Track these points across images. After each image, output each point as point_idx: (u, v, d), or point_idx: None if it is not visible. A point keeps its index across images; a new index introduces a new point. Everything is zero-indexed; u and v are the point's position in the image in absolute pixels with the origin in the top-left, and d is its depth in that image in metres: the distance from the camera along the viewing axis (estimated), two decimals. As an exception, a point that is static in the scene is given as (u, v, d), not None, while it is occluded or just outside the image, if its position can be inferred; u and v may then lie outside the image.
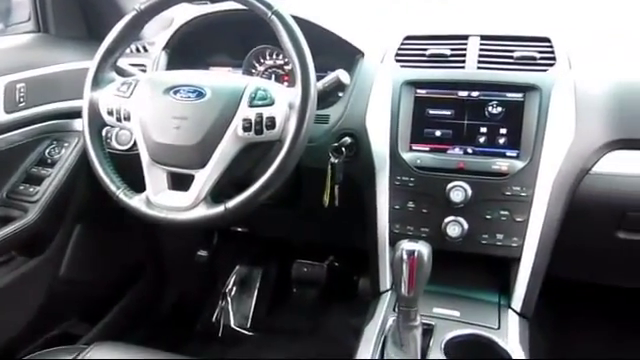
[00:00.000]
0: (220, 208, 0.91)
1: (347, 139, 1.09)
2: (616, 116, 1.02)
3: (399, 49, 1.14)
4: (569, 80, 1.02)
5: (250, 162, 0.98)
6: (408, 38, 1.15)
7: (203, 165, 0.91)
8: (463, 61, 1.08)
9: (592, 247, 1.17)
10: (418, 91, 1.08)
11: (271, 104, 0.91)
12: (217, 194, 0.93)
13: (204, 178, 0.91)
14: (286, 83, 1.31)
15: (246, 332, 1.80)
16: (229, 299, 1.85)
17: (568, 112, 1.01)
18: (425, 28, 1.18)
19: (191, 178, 0.93)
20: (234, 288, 1.88)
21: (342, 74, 1.03)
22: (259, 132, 0.90)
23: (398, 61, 1.12)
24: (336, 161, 1.06)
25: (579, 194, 1.03)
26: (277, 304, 1.87)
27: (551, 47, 1.07)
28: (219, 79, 0.99)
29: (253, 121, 0.90)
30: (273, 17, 0.91)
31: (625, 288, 1.53)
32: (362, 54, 1.17)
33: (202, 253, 1.70)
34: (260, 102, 0.91)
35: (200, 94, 0.94)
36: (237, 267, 1.91)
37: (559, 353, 1.60)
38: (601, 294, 1.59)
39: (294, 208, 1.28)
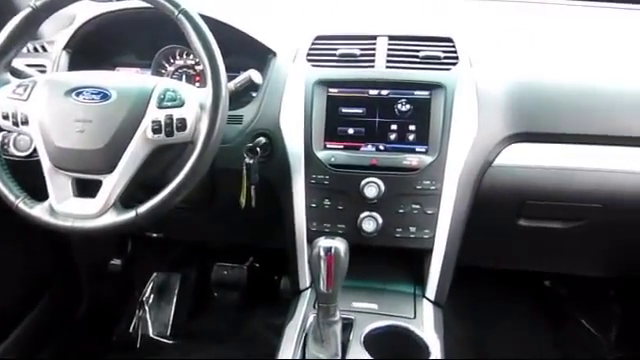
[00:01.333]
0: (131, 214, 0.88)
1: (261, 139, 1.09)
2: (515, 111, 1.09)
3: (310, 49, 1.15)
4: (471, 78, 1.08)
5: (162, 165, 0.95)
6: (319, 38, 1.16)
7: (111, 170, 0.88)
8: (372, 61, 1.11)
9: (497, 235, 1.24)
10: (330, 90, 1.09)
11: (181, 105, 0.89)
12: (127, 199, 0.90)
13: (112, 183, 0.88)
14: (198, 84, 1.28)
15: (166, 340, 1.75)
16: (147, 307, 1.79)
17: (471, 108, 1.06)
18: (335, 28, 1.20)
19: (98, 184, 0.89)
20: (152, 296, 1.82)
21: (254, 74, 1.02)
22: (170, 134, 0.88)
23: (310, 61, 1.13)
24: (251, 161, 1.05)
25: (483, 186, 1.09)
26: (198, 309, 1.84)
27: (453, 47, 1.12)
28: (125, 80, 0.96)
29: (163, 123, 0.88)
30: (180, 16, 0.89)
31: (529, 272, 1.65)
32: (274, 54, 1.17)
33: (115, 262, 1.64)
34: (170, 103, 0.89)
35: (105, 96, 0.90)
36: (154, 274, 1.85)
37: (472, 337, 1.69)
38: (509, 279, 1.69)
39: (210, 210, 1.26)
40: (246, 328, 1.75)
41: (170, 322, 1.78)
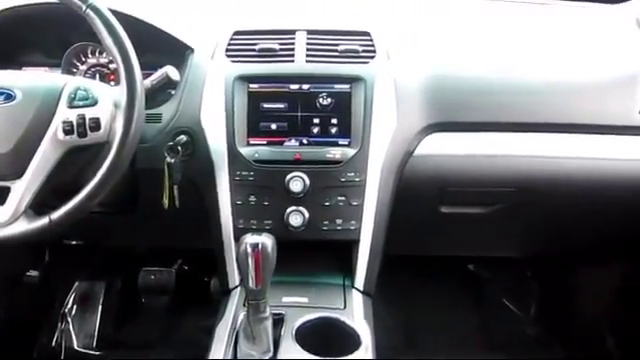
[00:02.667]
0: (44, 220, 0.83)
1: (182, 137, 1.06)
2: (431, 102, 1.12)
3: (229, 44, 1.13)
4: (388, 71, 1.10)
5: (76, 168, 0.91)
6: (237, 33, 1.15)
7: (19, 175, 0.83)
8: (292, 55, 1.11)
9: (421, 223, 1.28)
10: (251, 86, 1.08)
11: (94, 104, 0.85)
12: (40, 205, 0.85)
13: (22, 189, 0.83)
14: (112, 82, 1.23)
15: (92, 352, 1.67)
16: (69, 319, 1.71)
17: (390, 100, 1.08)
18: (254, 23, 1.19)
19: (6, 190, 0.84)
20: (75, 306, 1.74)
21: (171, 70, 1.00)
22: (82, 135, 0.84)
23: (229, 56, 1.11)
24: (172, 161, 1.02)
25: (405, 175, 1.12)
26: (125, 317, 1.77)
27: (371, 41, 1.14)
28: (31, 79, 0.91)
29: (75, 123, 0.84)
30: (89, 11, 0.86)
31: (454, 257, 1.71)
32: (192, 50, 1.14)
33: (32, 273, 1.54)
34: (81, 102, 0.85)
35: (9, 96, 0.85)
36: (76, 283, 1.76)
37: (402, 324, 1.74)
38: (434, 265, 1.75)
39: (133, 213, 1.21)
40: (177, 332, 1.70)
41: (96, 333, 1.70)
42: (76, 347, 1.68)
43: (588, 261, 1.60)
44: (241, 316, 0.97)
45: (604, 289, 1.62)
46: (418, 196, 1.17)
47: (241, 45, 1.13)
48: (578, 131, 1.14)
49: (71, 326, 1.70)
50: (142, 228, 1.35)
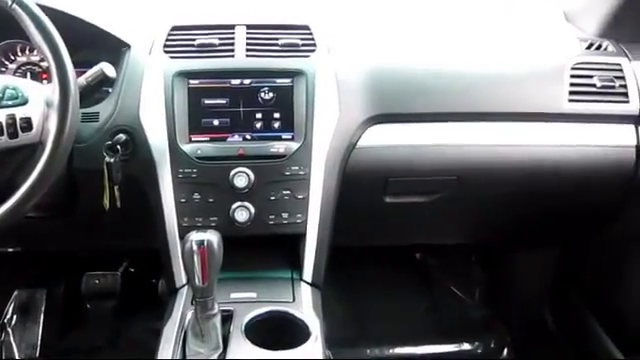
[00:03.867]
0: None
1: (122, 136, 1.04)
2: (372, 94, 1.14)
3: (167, 40, 1.11)
4: (329, 64, 1.11)
5: (8, 170, 0.87)
6: (175, 28, 1.13)
7: None
8: (232, 50, 1.10)
9: (367, 214, 1.30)
10: (191, 82, 1.07)
11: (24, 103, 0.82)
12: (-31, 212, 0.81)
13: (-53, 195, 0.79)
14: (45, 81, 1.19)
15: (35, 361, 1.61)
16: (10, 330, 1.64)
17: (331, 94, 1.09)
18: (192, 18, 1.17)
19: None
20: (15, 316, 1.67)
21: (106, 67, 0.97)
22: (13, 135, 0.81)
23: (167, 52, 1.09)
24: (112, 160, 1.00)
25: (349, 167, 1.13)
26: (69, 325, 1.71)
27: (311, 34, 1.15)
28: None
29: (4, 124, 0.81)
30: (15, 7, 0.82)
31: (401, 246, 1.75)
32: (128, 46, 1.12)
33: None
34: (10, 102, 0.82)
35: None
36: (15, 292, 1.69)
37: (352, 314, 1.76)
38: (382, 255, 1.78)
39: (73, 216, 1.18)
40: (125, 336, 1.66)
41: (38, 342, 1.64)
42: (17, 358, 1.61)
43: (527, 245, 1.67)
44: (189, 315, 0.96)
45: (542, 272, 1.69)
46: (363, 187, 1.19)
47: (179, 40, 1.11)
48: (513, 119, 1.19)
49: (12, 337, 1.63)
50: (83, 231, 1.31)
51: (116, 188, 1.02)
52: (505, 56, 1.24)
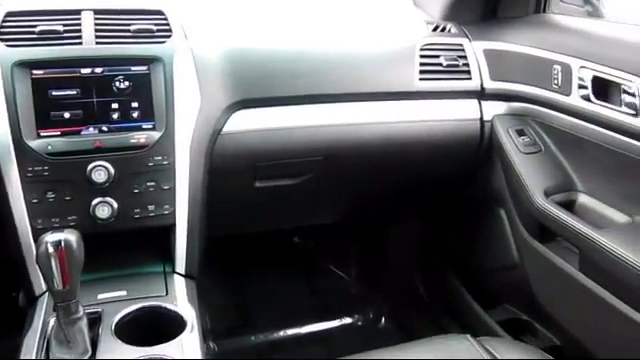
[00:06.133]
0: None
1: None
2: (233, 80, 1.14)
3: (1, 27, 1.02)
4: (187, 50, 1.09)
5: None
6: (10, 15, 1.04)
7: None
8: (79, 37, 1.03)
9: (239, 200, 1.30)
10: (34, 72, 0.98)
11: None
12: None
13: None
14: None
15: None
16: None
17: (191, 80, 1.07)
18: (29, 3, 1.08)
19: None
20: None
21: None
22: None
23: (3, 40, 1.00)
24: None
25: (216, 154, 1.12)
26: None
27: (165, 19, 1.11)
28: None
29: None
30: None
31: (279, 231, 1.77)
32: None
33: None
34: None
35: None
36: None
37: (235, 303, 1.76)
38: (261, 242, 1.80)
39: None
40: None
41: None
42: None
43: (395, 218, 1.77)
44: (52, 321, 0.90)
45: (410, 242, 1.81)
46: (232, 173, 1.18)
47: (17, 28, 1.02)
48: (371, 99, 1.25)
49: None
50: None
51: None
52: (360, 39, 1.30)
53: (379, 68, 1.27)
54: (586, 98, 1.12)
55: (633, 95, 1.02)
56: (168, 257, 1.09)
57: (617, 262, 1.00)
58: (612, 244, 1.02)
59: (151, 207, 1.04)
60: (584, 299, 1.11)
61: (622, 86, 1.04)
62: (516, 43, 1.29)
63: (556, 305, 1.24)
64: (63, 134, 1.00)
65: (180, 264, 1.08)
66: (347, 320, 1.80)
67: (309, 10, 1.37)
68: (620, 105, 1.05)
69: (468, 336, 0.99)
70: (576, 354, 1.20)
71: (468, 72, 1.32)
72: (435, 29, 1.38)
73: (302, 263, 1.95)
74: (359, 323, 1.80)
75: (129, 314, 0.93)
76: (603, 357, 1.11)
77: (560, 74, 1.17)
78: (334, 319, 1.80)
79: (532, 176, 1.23)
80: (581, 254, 1.11)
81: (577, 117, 1.16)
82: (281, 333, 1.73)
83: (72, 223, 0.99)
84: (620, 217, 1.13)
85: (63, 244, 0.78)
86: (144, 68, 1.04)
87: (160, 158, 1.03)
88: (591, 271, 1.09)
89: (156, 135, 1.03)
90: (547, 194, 1.20)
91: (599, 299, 1.07)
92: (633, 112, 1.02)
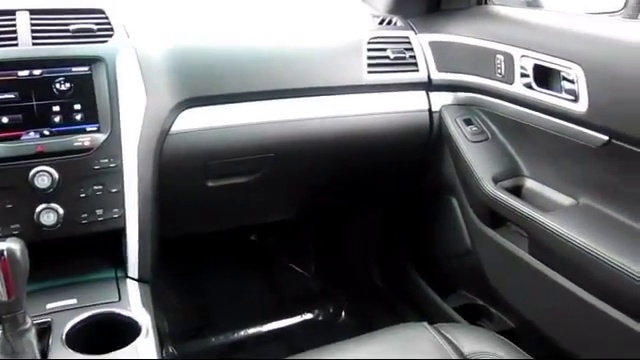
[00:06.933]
0: None
1: None
2: (180, 78, 1.12)
3: None
4: (130, 49, 1.06)
5: None
6: None
7: None
8: (14, 38, 0.99)
9: (193, 201, 1.28)
10: None
11: None
12: None
13: None
14: None
15: None
16: None
17: (135, 80, 1.05)
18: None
19: None
20: None
21: None
22: None
23: None
24: None
25: (166, 154, 1.10)
26: None
27: (106, 18, 1.08)
28: None
29: None
30: None
31: (236, 230, 1.75)
32: None
33: None
34: None
35: None
36: None
37: (195, 304, 1.73)
38: (218, 242, 1.78)
39: None
40: None
41: None
42: None
43: (351, 212, 1.78)
44: (-3, 335, 0.86)
45: (368, 235, 1.82)
46: (183, 173, 1.16)
47: None
48: (320, 93, 1.25)
49: None
50: None
51: None
52: (308, 35, 1.30)
53: (327, 63, 1.27)
54: (528, 86, 1.15)
55: (572, 82, 1.05)
56: (120, 262, 1.06)
57: (563, 243, 1.04)
58: (558, 226, 1.06)
59: (99, 211, 1.01)
60: (534, 281, 1.15)
61: (562, 73, 1.08)
62: (460, 35, 1.32)
63: (508, 288, 1.28)
64: (2, 139, 0.95)
65: (133, 268, 1.05)
66: (308, 316, 1.80)
67: (255, 6, 1.36)
68: (560, 92, 1.09)
69: (425, 324, 1.00)
70: (529, 335, 1.24)
71: (415, 64, 1.34)
72: (381, 22, 1.39)
73: (261, 261, 1.94)
74: (320, 318, 1.81)
75: (80, 322, 0.90)
76: (555, 336, 1.15)
77: (503, 63, 1.20)
78: (294, 316, 1.80)
79: (480, 164, 1.27)
80: (530, 237, 1.15)
81: (521, 104, 1.19)
82: (242, 333, 1.71)
83: (16, 232, 0.95)
84: (565, 200, 1.17)
85: (6, 254, 0.75)
86: (85, 69, 1.01)
87: (106, 160, 1.00)
88: (540, 253, 1.13)
89: (101, 137, 1.00)
90: (495, 181, 1.24)
91: (548, 280, 1.11)
92: (573, 98, 1.06)
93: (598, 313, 1.01)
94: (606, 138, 1.01)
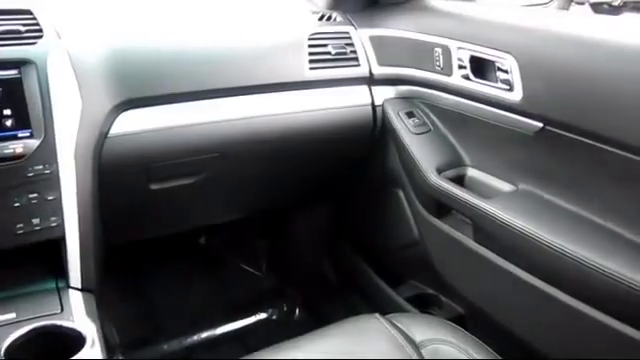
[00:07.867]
0: None
1: None
2: (117, 79, 1.08)
3: None
4: (61, 50, 1.02)
5: None
6: None
7: None
8: None
9: (136, 205, 1.24)
10: None
11: None
12: None
13: None
14: None
15: None
16: None
17: (69, 82, 1.01)
18: None
19: None
20: None
21: None
22: None
23: None
24: None
25: (105, 159, 1.06)
26: None
27: (35, 19, 1.03)
28: None
29: None
30: None
31: (183, 234, 1.72)
32: None
33: None
34: None
35: None
36: None
37: (143, 311, 1.69)
38: (166, 246, 1.74)
39: None
40: None
41: None
42: None
43: (300, 208, 1.78)
44: None
45: (318, 230, 1.83)
46: (125, 178, 1.13)
47: None
48: (262, 91, 1.24)
49: None
50: None
51: None
52: (248, 32, 1.28)
53: (269, 60, 1.26)
54: (466, 77, 1.19)
55: (506, 72, 1.09)
56: (61, 271, 1.02)
57: (505, 228, 1.08)
58: (499, 212, 1.09)
59: (36, 220, 0.96)
60: (480, 267, 1.18)
61: (496, 64, 1.11)
62: (399, 29, 1.34)
63: (456, 276, 1.31)
64: None
65: (75, 277, 1.01)
66: (261, 315, 1.79)
67: (194, 5, 1.33)
68: (496, 82, 1.12)
69: (377, 315, 1.01)
70: (478, 320, 1.28)
71: (356, 59, 1.35)
72: (321, 18, 1.39)
73: (211, 263, 1.92)
74: (274, 317, 1.80)
75: (21, 337, 0.86)
76: (502, 320, 1.19)
77: (441, 56, 1.23)
78: (248, 316, 1.78)
79: (424, 155, 1.29)
80: (474, 224, 1.18)
81: (459, 95, 1.22)
82: (195, 337, 1.68)
83: None
84: (505, 186, 1.21)
85: None
86: (14, 72, 0.96)
87: (41, 167, 0.96)
88: (484, 240, 1.16)
89: (34, 143, 0.96)
90: (439, 171, 1.26)
91: (493, 265, 1.14)
92: (508, 87, 1.09)
93: (542, 295, 1.05)
94: (541, 125, 1.05)
